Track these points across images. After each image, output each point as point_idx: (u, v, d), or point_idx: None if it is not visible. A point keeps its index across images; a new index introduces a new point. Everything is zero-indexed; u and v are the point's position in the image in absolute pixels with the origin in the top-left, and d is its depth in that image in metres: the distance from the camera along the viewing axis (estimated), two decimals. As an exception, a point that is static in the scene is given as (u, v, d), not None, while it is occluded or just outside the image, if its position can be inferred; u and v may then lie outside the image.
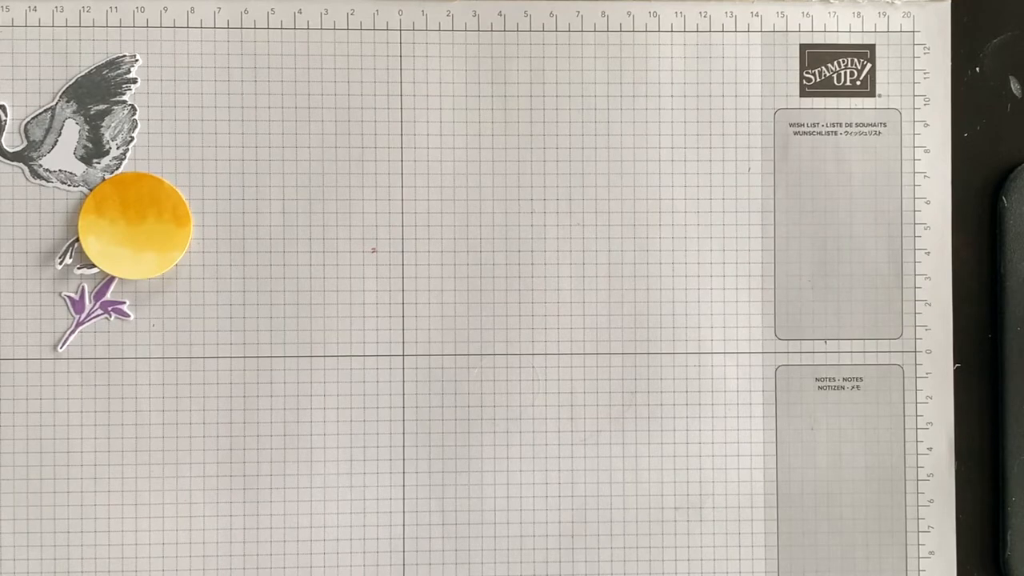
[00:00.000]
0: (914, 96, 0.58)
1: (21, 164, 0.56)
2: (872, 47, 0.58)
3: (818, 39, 0.58)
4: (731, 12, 0.58)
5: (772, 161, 0.58)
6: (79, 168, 0.56)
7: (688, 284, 0.58)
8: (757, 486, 0.58)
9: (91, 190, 0.56)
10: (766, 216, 0.58)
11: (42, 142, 0.56)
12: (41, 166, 0.56)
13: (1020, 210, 0.58)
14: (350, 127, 0.57)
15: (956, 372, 0.58)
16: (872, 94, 0.58)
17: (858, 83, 0.58)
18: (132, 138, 0.57)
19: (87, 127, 0.56)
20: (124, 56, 0.57)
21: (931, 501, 0.58)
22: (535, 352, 0.57)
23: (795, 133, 0.58)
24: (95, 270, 0.56)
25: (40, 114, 0.56)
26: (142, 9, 0.57)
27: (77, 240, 0.56)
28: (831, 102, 0.58)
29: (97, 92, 0.56)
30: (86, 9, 0.56)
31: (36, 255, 0.56)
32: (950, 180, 0.58)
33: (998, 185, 0.59)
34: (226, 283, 0.57)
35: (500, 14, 0.58)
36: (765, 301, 0.58)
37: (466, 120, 0.57)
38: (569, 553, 0.57)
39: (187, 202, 0.56)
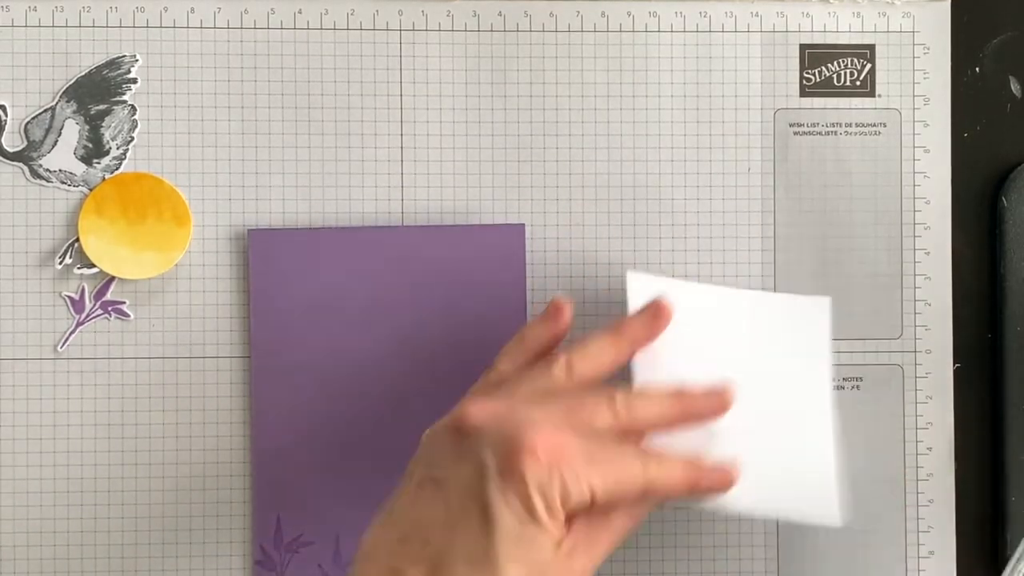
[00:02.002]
0: (914, 96, 0.58)
1: (21, 164, 0.56)
2: (872, 47, 0.58)
3: (818, 39, 0.58)
4: (731, 12, 0.58)
5: (772, 161, 0.58)
6: (79, 168, 0.56)
7: (688, 284, 0.58)
8: (757, 486, 0.58)
9: (91, 190, 0.56)
10: (766, 216, 0.58)
11: (42, 142, 0.56)
12: (41, 166, 0.56)
13: (1020, 210, 0.58)
14: (350, 127, 0.57)
15: (956, 372, 0.58)
16: (872, 94, 0.58)
17: (858, 83, 0.58)
18: (132, 138, 0.57)
19: (87, 127, 0.56)
20: (124, 56, 0.57)
21: (931, 501, 0.58)
22: (535, 352, 0.57)
23: (795, 133, 0.58)
24: (95, 270, 0.56)
25: (40, 114, 0.56)
26: (142, 9, 0.57)
27: (77, 240, 0.56)
28: (831, 102, 0.58)
29: (97, 92, 0.56)
30: (86, 9, 0.56)
31: (36, 255, 0.56)
32: (950, 180, 0.58)
33: (998, 185, 0.59)
34: (226, 283, 0.57)
35: (500, 14, 0.58)
36: (765, 301, 0.58)
37: (466, 120, 0.57)
38: (569, 553, 0.57)
39: (187, 202, 0.56)
